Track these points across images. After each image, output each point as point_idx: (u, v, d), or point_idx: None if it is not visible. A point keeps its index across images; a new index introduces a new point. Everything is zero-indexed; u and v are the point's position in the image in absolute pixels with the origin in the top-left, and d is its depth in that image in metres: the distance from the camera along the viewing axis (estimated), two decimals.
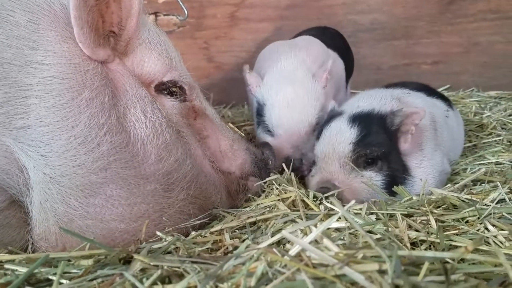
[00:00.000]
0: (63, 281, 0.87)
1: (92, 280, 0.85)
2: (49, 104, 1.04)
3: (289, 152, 1.63)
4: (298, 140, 1.64)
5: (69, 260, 0.99)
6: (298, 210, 1.21)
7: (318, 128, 1.55)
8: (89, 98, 1.08)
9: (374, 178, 1.35)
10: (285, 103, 1.66)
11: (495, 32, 2.75)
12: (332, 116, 1.47)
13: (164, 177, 1.17)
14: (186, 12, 2.91)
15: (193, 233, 1.20)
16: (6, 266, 0.95)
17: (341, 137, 1.36)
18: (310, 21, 2.87)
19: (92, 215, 1.08)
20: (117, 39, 1.20)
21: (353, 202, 1.05)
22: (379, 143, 1.34)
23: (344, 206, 1.03)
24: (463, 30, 2.79)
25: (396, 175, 1.36)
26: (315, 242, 0.84)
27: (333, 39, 2.26)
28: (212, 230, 1.20)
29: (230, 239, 1.10)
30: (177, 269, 0.86)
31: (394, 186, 1.34)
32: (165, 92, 1.28)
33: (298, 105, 1.65)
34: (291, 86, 1.68)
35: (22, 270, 0.91)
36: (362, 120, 1.37)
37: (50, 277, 0.90)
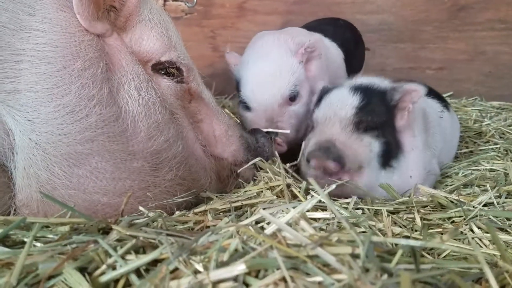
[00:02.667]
0: (38, 244, 0.87)
1: (66, 245, 0.85)
2: (40, 70, 1.04)
3: (262, 125, 1.64)
4: (272, 114, 1.65)
5: (47, 226, 0.98)
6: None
7: (313, 102, 1.56)
8: (81, 68, 1.07)
9: (372, 143, 1.34)
10: (258, 77, 1.67)
11: (502, 42, 2.73)
12: (327, 90, 1.48)
13: (153, 155, 1.16)
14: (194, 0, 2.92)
15: (177, 213, 1.19)
16: None
17: (343, 102, 1.37)
18: (317, 17, 2.86)
19: (75, 186, 1.07)
20: (117, 14, 1.19)
21: (333, 186, 1.05)
22: (380, 112, 1.36)
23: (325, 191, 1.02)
24: (470, 37, 2.77)
25: (390, 148, 1.37)
26: (294, 225, 0.83)
27: (338, 29, 2.25)
28: (196, 210, 1.20)
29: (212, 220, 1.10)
30: (152, 240, 0.85)
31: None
32: (162, 72, 1.27)
33: (270, 79, 1.65)
34: (264, 61, 1.69)
35: None
36: (364, 90, 1.39)
37: (25, 239, 0.89)
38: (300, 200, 1.28)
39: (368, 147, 1.33)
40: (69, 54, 1.06)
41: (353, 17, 2.87)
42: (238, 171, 1.43)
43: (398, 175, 1.38)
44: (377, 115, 1.35)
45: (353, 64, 2.22)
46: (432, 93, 1.73)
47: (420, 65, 2.89)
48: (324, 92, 1.49)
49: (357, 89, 1.40)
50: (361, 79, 1.49)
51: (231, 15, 3.00)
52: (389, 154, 1.36)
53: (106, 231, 0.99)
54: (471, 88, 2.81)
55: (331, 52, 2.02)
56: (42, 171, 1.05)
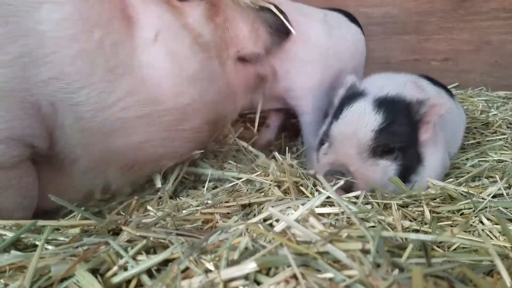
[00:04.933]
0: (49, 247, 0.88)
1: (77, 247, 0.86)
2: (65, 52, 0.99)
3: None
4: None
5: (58, 229, 0.99)
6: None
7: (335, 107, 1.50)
8: (101, 38, 1.03)
9: (388, 167, 1.31)
10: None
11: (508, 31, 2.70)
12: (354, 94, 1.40)
13: (183, 108, 1.17)
14: None
15: (185, 212, 1.20)
16: None
17: (363, 122, 1.30)
18: None
19: (132, 143, 1.14)
20: None
21: (341, 182, 1.05)
22: (402, 134, 1.31)
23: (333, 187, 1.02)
24: (475, 28, 2.75)
25: (410, 165, 1.33)
26: (304, 221, 0.84)
27: None
28: (204, 211, 1.21)
29: (220, 217, 1.10)
30: (163, 240, 0.86)
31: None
32: None
33: None
34: None
35: (10, 235, 0.91)
36: (387, 105, 1.32)
37: (37, 242, 0.90)
38: (307, 196, 1.28)
39: (383, 170, 1.30)
40: (86, 23, 1.01)
41: (357, 10, 2.85)
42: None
43: (417, 185, 1.34)
44: (399, 137, 1.30)
45: None
46: (439, 84, 1.72)
47: (425, 57, 2.87)
48: (348, 98, 1.41)
49: (381, 104, 1.32)
50: (385, 83, 1.41)
51: None
52: (409, 172, 1.33)
53: (116, 232, 0.99)
54: (477, 79, 2.79)
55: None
56: (96, 138, 1.08)
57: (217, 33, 1.27)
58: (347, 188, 1.23)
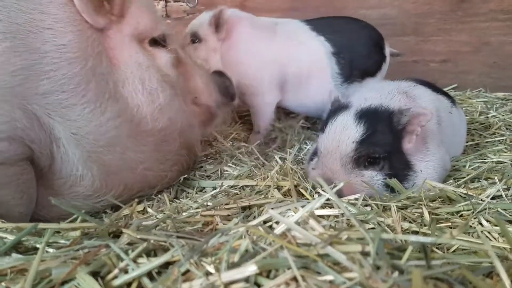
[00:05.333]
0: (51, 250, 0.88)
1: (78, 250, 0.86)
2: (64, 72, 1.12)
3: None
4: None
5: (58, 232, 0.99)
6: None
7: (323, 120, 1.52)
8: (93, 66, 1.16)
9: (374, 177, 1.33)
10: None
11: (506, 32, 2.71)
12: (339, 108, 1.42)
13: (160, 132, 1.35)
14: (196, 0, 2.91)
15: (185, 214, 1.20)
16: None
17: (345, 135, 1.32)
18: (320, 13, 2.85)
19: (119, 160, 1.26)
20: (112, 2, 1.25)
21: (341, 184, 1.05)
22: (384, 143, 1.31)
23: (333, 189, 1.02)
24: (474, 29, 2.75)
25: (398, 174, 1.34)
26: (303, 224, 0.84)
27: None
28: (204, 213, 1.21)
29: (221, 220, 1.11)
30: (163, 243, 0.86)
31: (388, 179, 1.32)
32: (157, 46, 1.39)
33: None
34: None
35: (11, 238, 0.91)
36: (369, 117, 1.33)
37: (38, 245, 0.90)
38: (307, 199, 1.29)
39: (369, 181, 1.32)
40: (83, 53, 1.14)
41: (356, 11, 2.86)
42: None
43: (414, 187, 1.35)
44: (381, 147, 1.31)
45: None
46: (439, 91, 1.71)
47: (424, 58, 2.87)
48: (333, 111, 1.43)
49: (362, 115, 1.33)
50: (368, 96, 1.42)
51: None
52: (398, 180, 1.33)
53: (116, 235, 1.00)
54: (475, 80, 2.79)
55: None
56: (92, 154, 1.20)
57: (180, 79, 1.49)
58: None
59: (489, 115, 2.24)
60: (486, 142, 1.89)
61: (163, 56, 1.40)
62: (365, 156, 1.31)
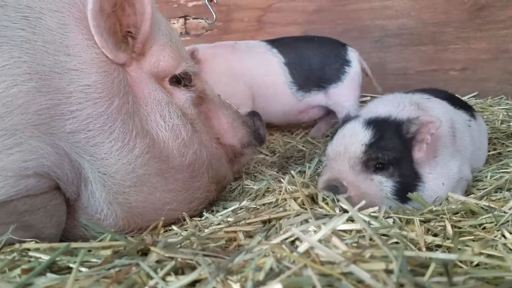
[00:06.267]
0: (83, 269, 0.91)
1: (109, 269, 0.89)
2: (89, 111, 1.14)
3: None
4: None
5: (89, 250, 1.03)
6: (310, 209, 1.22)
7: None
8: (118, 105, 1.18)
9: (384, 183, 1.33)
10: None
11: None
12: (348, 119, 1.46)
13: (188, 167, 1.36)
14: (214, 16, 2.97)
15: (207, 230, 1.23)
16: (31, 253, 1.00)
17: (354, 138, 1.34)
18: (336, 25, 2.89)
19: (145, 200, 1.27)
20: (134, 40, 1.27)
21: (363, 202, 1.06)
22: (392, 148, 1.32)
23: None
24: (492, 36, 2.74)
25: (408, 182, 1.35)
26: (326, 241, 0.86)
27: None
28: (227, 229, 1.23)
29: (244, 237, 1.13)
30: (190, 261, 0.89)
31: (409, 193, 1.32)
32: (178, 84, 1.40)
33: None
34: None
35: (45, 258, 0.95)
36: (378, 124, 1.35)
37: (71, 265, 0.94)
38: (323, 207, 1.29)
39: (378, 187, 1.32)
40: (108, 93, 1.17)
41: (372, 22, 2.88)
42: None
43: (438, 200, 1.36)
44: (389, 151, 1.31)
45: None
46: (458, 104, 1.70)
47: (443, 67, 2.87)
48: (342, 122, 1.47)
49: (371, 122, 1.36)
50: (379, 109, 1.45)
51: (250, 29, 3.05)
52: (408, 189, 1.34)
53: (144, 253, 1.03)
54: (496, 87, 2.77)
55: None
56: (119, 195, 1.20)
57: (201, 117, 1.48)
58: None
59: (511, 123, 2.22)
60: (509, 151, 1.87)
61: (181, 95, 1.40)
62: (374, 159, 1.32)
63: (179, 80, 1.40)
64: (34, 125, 1.07)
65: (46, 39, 1.11)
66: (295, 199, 1.31)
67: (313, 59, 2.38)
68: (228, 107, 1.64)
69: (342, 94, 2.39)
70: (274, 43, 2.44)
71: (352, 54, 2.41)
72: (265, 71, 2.35)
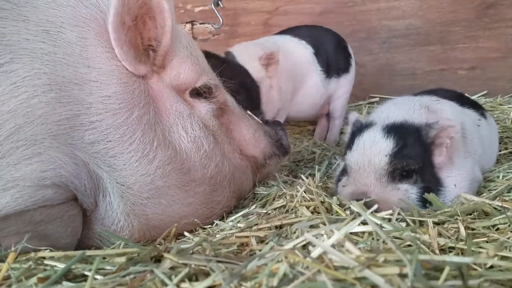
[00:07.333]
0: (98, 276, 0.92)
1: (124, 276, 0.90)
2: (108, 122, 1.15)
3: None
4: None
5: (104, 258, 1.04)
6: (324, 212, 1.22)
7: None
8: (138, 116, 1.19)
9: (409, 190, 1.32)
10: None
11: None
12: (361, 127, 1.44)
13: (210, 180, 1.35)
14: (221, 21, 2.99)
15: (219, 236, 1.24)
16: (46, 262, 1.01)
17: (376, 148, 1.33)
18: (343, 27, 2.88)
19: (163, 212, 1.26)
20: (155, 53, 1.28)
21: (375, 206, 1.06)
22: (416, 155, 1.32)
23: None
24: (501, 35, 2.72)
25: (430, 187, 1.34)
26: (339, 246, 0.86)
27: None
28: (238, 234, 1.24)
29: (256, 242, 1.13)
30: (203, 267, 0.89)
31: (425, 193, 1.32)
32: (199, 96, 1.39)
33: None
34: None
35: (61, 266, 0.96)
36: (397, 131, 1.34)
37: (86, 272, 0.94)
38: (339, 215, 1.30)
39: (405, 195, 1.32)
40: (128, 104, 1.17)
41: (380, 23, 2.88)
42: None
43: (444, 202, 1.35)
44: (413, 159, 1.31)
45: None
46: (466, 103, 1.70)
47: (452, 66, 2.86)
48: (357, 130, 1.44)
49: (390, 130, 1.34)
50: (390, 114, 1.44)
51: (257, 32, 3.05)
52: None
53: (158, 259, 1.03)
54: (506, 86, 2.75)
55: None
56: (136, 207, 1.20)
57: (222, 128, 1.47)
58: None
59: None
60: None
61: (202, 108, 1.39)
62: (400, 169, 1.31)
63: (200, 93, 1.39)
64: (53, 136, 1.08)
65: (66, 52, 1.12)
66: (307, 207, 1.31)
67: (329, 46, 2.52)
68: (250, 117, 1.63)
69: (345, 85, 2.58)
70: (296, 35, 2.52)
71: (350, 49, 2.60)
72: (305, 63, 2.45)
